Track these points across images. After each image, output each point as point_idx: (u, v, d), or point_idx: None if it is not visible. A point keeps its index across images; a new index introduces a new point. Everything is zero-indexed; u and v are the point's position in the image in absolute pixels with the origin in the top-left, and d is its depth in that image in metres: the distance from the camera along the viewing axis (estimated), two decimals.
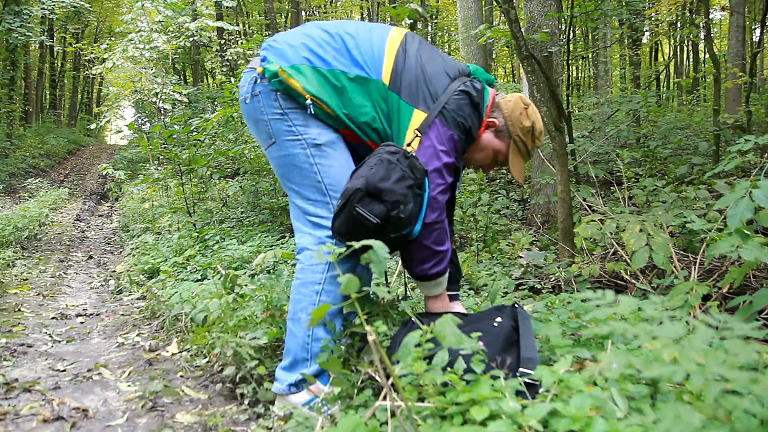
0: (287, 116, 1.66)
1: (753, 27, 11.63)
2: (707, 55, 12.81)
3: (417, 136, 1.63)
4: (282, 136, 1.67)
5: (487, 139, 1.78)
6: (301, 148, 1.66)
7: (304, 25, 1.79)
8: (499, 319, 1.54)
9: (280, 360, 1.87)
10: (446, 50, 21.46)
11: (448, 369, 1.24)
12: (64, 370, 2.23)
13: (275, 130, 1.67)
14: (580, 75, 20.22)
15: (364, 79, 1.66)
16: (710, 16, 9.91)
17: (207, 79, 21.18)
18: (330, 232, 1.66)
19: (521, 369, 1.40)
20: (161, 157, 7.08)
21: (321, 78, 1.65)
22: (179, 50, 14.46)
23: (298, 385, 1.64)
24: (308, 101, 1.63)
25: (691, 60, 17.24)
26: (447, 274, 1.74)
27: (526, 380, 1.30)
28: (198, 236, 4.47)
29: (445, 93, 1.64)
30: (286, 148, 1.67)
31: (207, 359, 2.24)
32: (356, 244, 1.34)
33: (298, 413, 1.51)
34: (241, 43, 15.59)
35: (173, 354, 2.43)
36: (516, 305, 1.65)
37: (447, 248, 1.68)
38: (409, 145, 1.64)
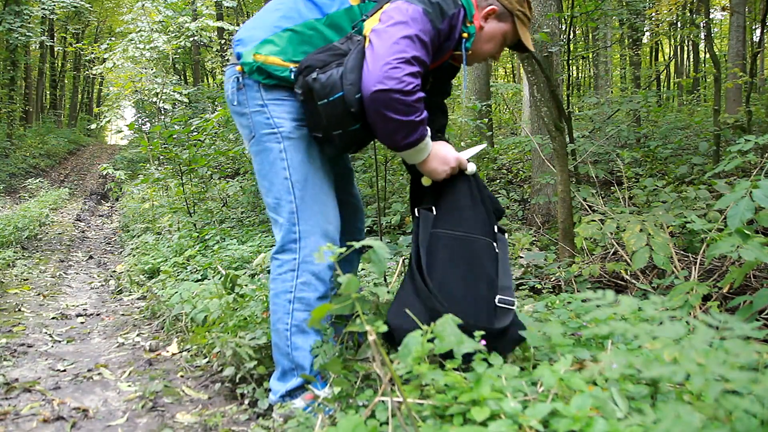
0: (266, 108, 1.64)
1: (753, 27, 11.62)
2: (707, 55, 12.80)
3: (362, 1, 1.62)
4: (260, 129, 1.65)
5: (493, 27, 1.76)
6: (276, 141, 1.64)
7: (263, 7, 1.79)
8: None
9: None
10: None
11: (448, 368, 1.24)
12: (65, 370, 2.23)
13: (255, 122, 1.66)
14: (580, 75, 20.22)
15: (335, 16, 1.63)
16: (710, 16, 9.91)
17: (207, 79, 21.19)
18: (293, 236, 1.63)
19: (499, 296, 1.52)
20: (161, 157, 7.08)
21: (296, 37, 1.62)
22: (179, 50, 14.47)
23: (291, 394, 1.63)
24: (292, 67, 1.61)
25: (692, 60, 17.26)
26: (427, 140, 1.61)
27: (502, 305, 1.45)
28: (198, 236, 4.47)
29: None
30: (263, 142, 1.66)
31: (207, 359, 2.24)
32: (356, 245, 1.34)
33: (299, 413, 1.51)
34: None
35: (173, 354, 2.43)
36: (499, 229, 1.66)
37: (416, 119, 1.52)
38: (360, 23, 1.60)
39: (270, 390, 1.69)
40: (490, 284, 1.56)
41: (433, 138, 1.70)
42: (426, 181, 1.70)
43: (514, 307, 1.55)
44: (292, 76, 1.60)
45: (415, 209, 1.70)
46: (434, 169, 1.65)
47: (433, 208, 1.65)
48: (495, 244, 1.63)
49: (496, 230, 1.67)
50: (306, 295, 1.61)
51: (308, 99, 1.55)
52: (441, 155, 1.65)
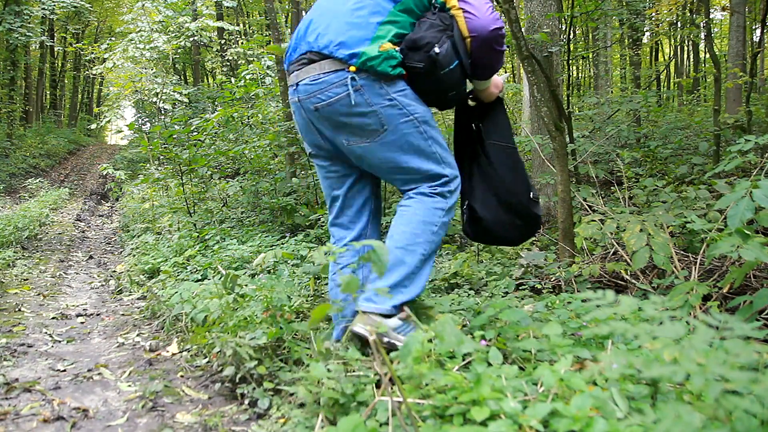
0: (397, 101, 1.78)
1: (753, 27, 11.63)
2: (707, 55, 12.81)
3: None
4: (395, 120, 1.79)
5: None
6: (414, 127, 1.81)
7: (321, 12, 1.87)
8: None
9: (280, 359, 1.87)
10: None
11: (448, 368, 1.24)
12: (65, 370, 2.23)
13: (387, 116, 1.77)
14: (580, 75, 20.22)
15: (406, 2, 1.82)
16: (710, 16, 9.91)
17: (207, 79, 21.19)
18: (455, 171, 1.89)
19: (531, 192, 1.97)
20: (161, 157, 7.09)
21: (391, 26, 1.80)
22: (179, 50, 14.47)
23: (398, 308, 1.71)
24: (397, 48, 1.78)
25: (692, 60, 17.26)
26: None
27: (534, 199, 1.95)
28: (198, 236, 4.48)
29: None
30: (401, 129, 1.80)
31: (207, 359, 2.24)
32: (357, 245, 1.34)
33: (297, 414, 1.51)
34: (242, 43, 15.59)
35: (173, 354, 2.43)
36: None
37: (506, 49, 1.91)
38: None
39: (370, 294, 1.71)
40: (527, 184, 1.99)
41: None
42: (471, 102, 2.09)
43: (540, 202, 2.05)
44: (401, 55, 1.80)
45: (472, 124, 2.08)
46: (492, 92, 2.04)
47: (480, 124, 2.07)
48: None
49: None
50: (442, 232, 1.84)
51: (430, 69, 1.78)
52: (496, 81, 2.05)
